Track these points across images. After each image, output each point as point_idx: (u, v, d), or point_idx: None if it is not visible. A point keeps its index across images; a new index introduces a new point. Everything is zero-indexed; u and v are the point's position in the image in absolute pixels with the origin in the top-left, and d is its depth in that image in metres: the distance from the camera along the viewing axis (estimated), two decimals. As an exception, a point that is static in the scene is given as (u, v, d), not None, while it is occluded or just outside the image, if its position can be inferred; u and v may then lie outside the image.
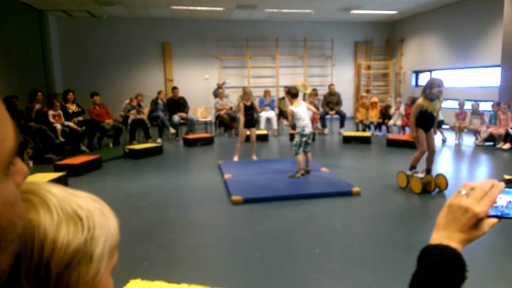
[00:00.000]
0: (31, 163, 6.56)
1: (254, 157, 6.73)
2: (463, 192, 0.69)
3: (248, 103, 6.60)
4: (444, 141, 8.70)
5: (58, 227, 0.46)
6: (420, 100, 4.62)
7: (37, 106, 7.30)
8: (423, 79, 12.83)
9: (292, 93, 5.58)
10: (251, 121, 6.62)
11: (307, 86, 6.82)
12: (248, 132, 6.69)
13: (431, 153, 4.83)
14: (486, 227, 0.68)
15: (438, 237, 0.70)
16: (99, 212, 0.52)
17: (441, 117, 8.87)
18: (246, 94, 6.61)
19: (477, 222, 0.67)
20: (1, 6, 8.75)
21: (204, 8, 10.86)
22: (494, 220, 0.68)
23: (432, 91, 4.53)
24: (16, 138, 0.38)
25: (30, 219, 0.45)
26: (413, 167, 4.83)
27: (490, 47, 9.62)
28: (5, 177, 0.36)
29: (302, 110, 5.44)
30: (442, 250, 0.67)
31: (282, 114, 9.37)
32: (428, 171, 4.83)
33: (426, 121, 4.67)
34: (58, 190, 0.50)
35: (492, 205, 0.67)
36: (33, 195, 0.48)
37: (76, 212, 0.49)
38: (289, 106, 5.57)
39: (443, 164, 6.86)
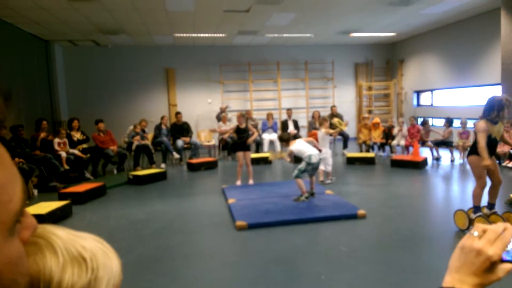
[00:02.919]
0: (35, 191, 6.58)
1: (250, 181, 6.70)
2: (475, 234, 0.67)
3: (242, 126, 6.68)
4: (438, 159, 8.71)
5: (64, 268, 0.48)
6: (484, 124, 3.88)
7: (42, 135, 7.38)
8: (425, 99, 12.91)
9: (285, 139, 5.75)
10: (243, 144, 6.66)
11: (341, 122, 7.24)
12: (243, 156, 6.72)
13: (497, 184, 4.07)
14: (501, 272, 0.65)
15: (450, 280, 0.67)
16: (102, 252, 0.54)
17: (453, 138, 8.90)
18: (239, 118, 6.84)
19: (491, 265, 0.65)
20: (9, 37, 9.00)
21: (207, 35, 11.09)
22: (510, 265, 0.65)
23: (503, 113, 3.84)
24: (24, 197, 0.40)
25: (36, 261, 0.47)
26: (477, 208, 4.03)
27: (489, 66, 9.71)
28: (10, 237, 0.38)
29: (299, 145, 5.53)
30: None
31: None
32: (492, 206, 4.14)
33: (489, 148, 3.93)
34: (63, 232, 0.53)
35: (505, 248, 0.65)
36: (40, 238, 0.50)
37: (81, 253, 0.51)
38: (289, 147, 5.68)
39: (450, 184, 6.81)
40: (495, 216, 3.86)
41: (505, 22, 7.98)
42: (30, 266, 0.47)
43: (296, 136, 6.82)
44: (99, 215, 5.26)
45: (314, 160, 5.39)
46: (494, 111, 3.84)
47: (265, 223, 4.47)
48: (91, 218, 5.16)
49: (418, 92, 13.13)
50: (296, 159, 5.93)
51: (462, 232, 4.04)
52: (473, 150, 4.04)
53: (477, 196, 4.03)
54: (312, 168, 5.43)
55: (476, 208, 4.02)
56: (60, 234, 0.52)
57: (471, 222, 3.93)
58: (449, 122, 9.07)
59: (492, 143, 3.97)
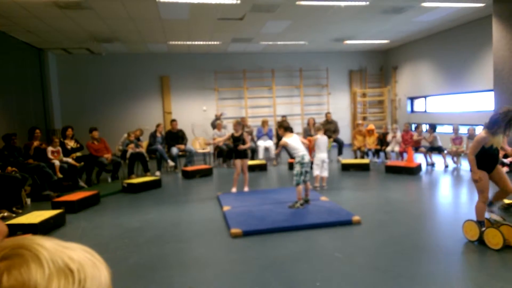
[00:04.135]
0: (28, 200, 6.51)
1: (246, 189, 6.72)
2: None
3: (237, 134, 6.70)
4: (432, 165, 8.78)
5: (49, 281, 0.47)
6: (483, 134, 3.82)
7: (36, 143, 7.32)
8: (418, 105, 13.00)
9: (284, 126, 5.72)
10: (240, 152, 6.68)
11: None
12: (241, 163, 6.73)
13: (506, 193, 3.99)
14: None
15: None
16: (90, 263, 0.53)
17: (439, 143, 8.96)
18: (234, 125, 6.84)
19: None
20: (2, 45, 8.97)
21: (201, 43, 11.13)
22: None
23: (501, 129, 3.73)
24: None
25: (21, 274, 0.46)
26: (481, 223, 3.88)
27: (482, 72, 9.82)
28: None
29: (294, 141, 5.53)
30: None
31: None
32: (491, 204, 4.11)
33: (491, 159, 3.88)
34: (50, 244, 0.52)
35: None
36: (26, 250, 0.49)
37: (67, 265, 0.50)
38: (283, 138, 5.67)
39: (444, 190, 6.83)
40: (507, 227, 3.74)
41: (496, 29, 8.09)
42: (15, 278, 0.46)
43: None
44: (93, 223, 5.21)
45: (306, 159, 5.43)
46: (499, 122, 3.75)
47: (260, 230, 4.45)
48: (85, 227, 5.11)
49: (412, 99, 13.23)
50: (290, 156, 5.91)
51: (469, 242, 3.97)
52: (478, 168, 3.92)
53: (480, 210, 3.90)
54: (306, 171, 5.44)
55: (481, 223, 3.88)
56: (46, 245, 0.51)
57: (481, 234, 3.79)
58: (432, 127, 9.17)
59: (494, 153, 3.89)
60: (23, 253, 0.49)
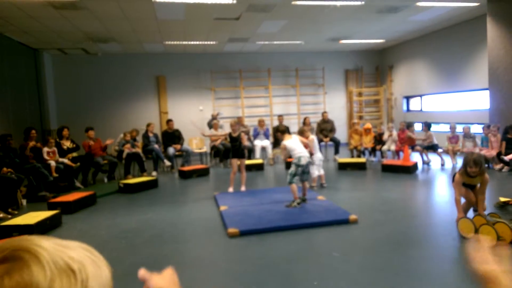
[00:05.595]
0: (24, 201, 6.48)
1: (243, 188, 6.71)
2: None
3: (235, 134, 6.71)
4: (428, 164, 8.80)
5: (51, 282, 0.46)
6: (458, 176, 4.21)
7: (31, 144, 7.28)
8: (414, 104, 13.06)
9: (280, 130, 5.77)
10: (238, 151, 6.68)
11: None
12: (238, 163, 6.73)
13: (471, 205, 4.42)
14: None
15: None
16: (91, 262, 0.52)
17: (435, 141, 9.00)
18: (232, 125, 6.83)
19: None
20: (-3, 46, 8.92)
21: (197, 43, 11.11)
22: None
23: (467, 170, 4.07)
24: None
25: (22, 277, 0.46)
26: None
27: (477, 71, 9.88)
28: None
29: (293, 143, 5.55)
30: None
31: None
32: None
33: (467, 187, 4.35)
34: (49, 243, 0.51)
35: None
36: (25, 252, 0.48)
37: (69, 265, 0.49)
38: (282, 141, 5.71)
39: (440, 188, 6.87)
40: (501, 224, 3.80)
41: (491, 28, 8.14)
42: (16, 282, 0.45)
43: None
44: (90, 224, 5.20)
45: (303, 161, 5.42)
46: (464, 165, 4.13)
47: (257, 230, 4.45)
48: (81, 227, 5.09)
49: (408, 98, 13.27)
50: (287, 164, 5.94)
51: (464, 239, 4.00)
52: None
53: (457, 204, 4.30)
54: (303, 171, 5.45)
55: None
56: (46, 245, 0.50)
57: (476, 230, 3.86)
58: (427, 126, 9.17)
59: (467, 186, 4.31)
60: (22, 255, 0.48)
